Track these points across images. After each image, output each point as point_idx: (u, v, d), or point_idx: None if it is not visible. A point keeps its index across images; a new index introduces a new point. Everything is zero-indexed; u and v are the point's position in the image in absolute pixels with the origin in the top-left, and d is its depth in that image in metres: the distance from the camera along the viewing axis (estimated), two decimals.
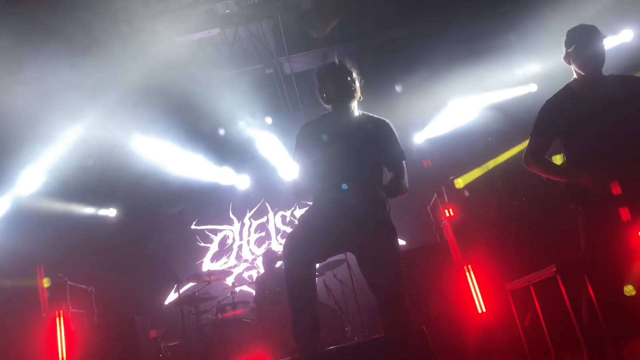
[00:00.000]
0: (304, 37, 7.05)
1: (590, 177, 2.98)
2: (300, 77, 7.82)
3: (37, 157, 6.86)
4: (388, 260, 2.81)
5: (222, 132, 8.36)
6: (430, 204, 6.50)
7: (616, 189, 2.91)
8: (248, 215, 9.11)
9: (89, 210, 8.56)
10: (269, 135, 8.43)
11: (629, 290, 4.39)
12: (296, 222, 2.64)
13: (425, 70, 7.24)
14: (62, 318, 5.24)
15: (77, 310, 6.18)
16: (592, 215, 3.03)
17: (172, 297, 8.23)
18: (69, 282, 6.40)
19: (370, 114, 3.19)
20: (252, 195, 9.07)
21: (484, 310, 4.95)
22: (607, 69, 3.18)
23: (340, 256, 6.20)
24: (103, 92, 6.25)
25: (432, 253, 5.47)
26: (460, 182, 5.89)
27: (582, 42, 3.10)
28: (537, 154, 3.23)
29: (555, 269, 2.58)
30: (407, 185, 3.08)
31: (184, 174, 8.61)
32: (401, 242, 7.85)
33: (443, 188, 6.03)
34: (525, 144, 3.31)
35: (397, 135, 3.12)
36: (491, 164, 6.05)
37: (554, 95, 3.24)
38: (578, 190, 3.08)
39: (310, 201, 3.08)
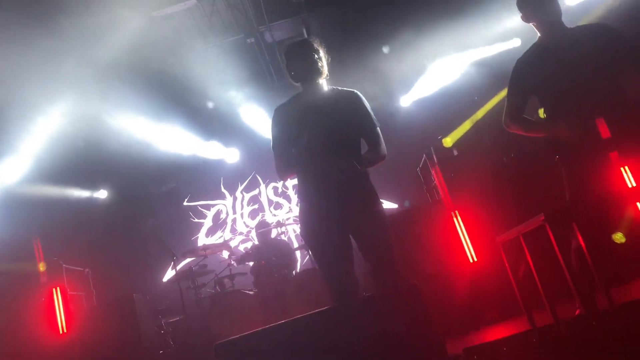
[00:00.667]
0: (284, 4, 6.94)
1: (567, 129, 3.04)
2: (282, 44, 7.72)
3: (18, 141, 6.75)
4: (376, 227, 2.97)
5: (210, 105, 8.26)
6: (420, 166, 6.52)
7: (593, 136, 2.96)
8: (240, 188, 9.11)
9: (78, 193, 8.51)
10: (255, 106, 8.35)
11: (619, 237, 4.46)
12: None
13: (408, 31, 7.16)
14: (59, 292, 5.28)
15: (75, 293, 6.21)
16: (575, 165, 3.09)
17: (169, 274, 8.27)
18: (64, 265, 6.41)
19: (339, 88, 3.26)
20: (242, 169, 9.05)
21: (475, 259, 5.02)
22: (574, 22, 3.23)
23: None
24: (82, 72, 6.13)
25: (424, 213, 5.51)
26: (448, 141, 5.90)
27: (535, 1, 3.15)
28: (514, 114, 3.30)
29: (543, 218, 2.60)
30: (385, 151, 3.21)
31: (173, 151, 8.55)
32: (393, 205, 7.90)
33: (432, 148, 6.04)
34: (505, 91, 3.36)
35: (367, 104, 3.20)
36: (479, 114, 6.05)
37: (524, 54, 3.31)
38: (559, 143, 3.14)
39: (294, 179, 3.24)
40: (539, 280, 3.44)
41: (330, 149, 3.02)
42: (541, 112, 3.37)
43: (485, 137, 6.17)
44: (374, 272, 2.90)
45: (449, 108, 7.43)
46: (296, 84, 3.24)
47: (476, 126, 6.17)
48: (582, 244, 3.00)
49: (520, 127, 3.36)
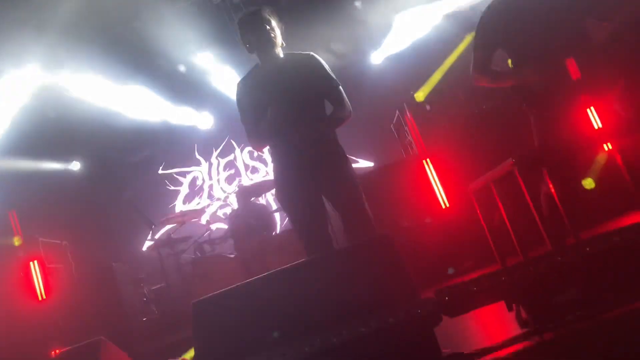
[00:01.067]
0: None
1: (533, 74, 3.07)
2: (250, 4, 7.54)
3: None
4: (347, 187, 3.17)
5: (180, 69, 8.09)
6: (394, 122, 6.53)
7: (560, 80, 2.99)
8: (215, 154, 9.04)
9: (51, 165, 8.35)
10: (227, 68, 8.21)
11: (588, 183, 4.56)
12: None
13: None
14: (36, 265, 5.23)
15: (53, 265, 6.17)
16: (543, 110, 3.13)
17: (148, 242, 8.24)
18: (41, 238, 6.35)
19: (295, 52, 3.33)
20: (216, 134, 8.95)
21: (447, 205, 5.09)
22: None
23: None
24: (44, 40, 5.93)
25: (399, 170, 5.55)
26: (420, 96, 5.90)
27: None
28: (481, 67, 3.31)
29: (512, 163, 2.64)
30: (350, 107, 3.29)
31: (145, 119, 8.40)
32: (368, 163, 7.92)
33: (404, 104, 6.04)
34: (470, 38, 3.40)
35: (325, 64, 3.28)
36: (447, 64, 6.04)
37: (488, 8, 3.27)
38: (526, 89, 3.17)
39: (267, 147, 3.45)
40: (511, 226, 3.51)
41: (296, 116, 3.12)
42: (510, 63, 3.39)
43: (458, 92, 6.18)
44: (348, 230, 3.14)
45: (421, 63, 7.39)
46: (252, 54, 3.29)
47: (448, 80, 6.16)
48: (551, 188, 3.06)
49: (488, 80, 3.40)
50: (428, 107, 6.23)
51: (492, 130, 5.16)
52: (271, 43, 3.18)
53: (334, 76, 3.28)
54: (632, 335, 1.72)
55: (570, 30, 3.12)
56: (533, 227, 3.16)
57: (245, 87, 3.31)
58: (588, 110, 3.26)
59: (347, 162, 3.26)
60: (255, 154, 8.86)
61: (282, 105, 3.10)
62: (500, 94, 5.26)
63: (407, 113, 5.84)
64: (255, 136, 3.28)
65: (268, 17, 3.20)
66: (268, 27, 3.17)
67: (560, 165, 3.12)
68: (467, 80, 3.54)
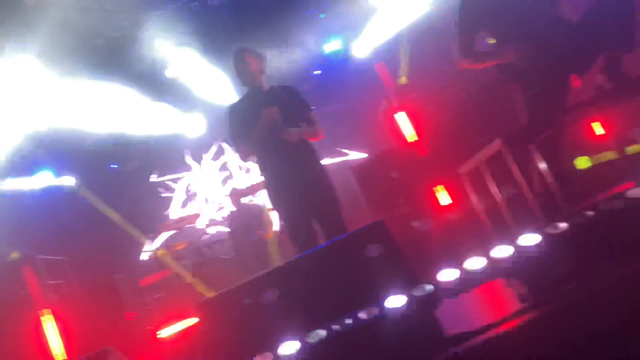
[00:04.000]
0: None
1: (515, 51, 3.10)
2: (229, 5, 7.53)
3: None
4: (329, 197, 3.85)
5: (166, 76, 8.06)
6: (382, 110, 6.54)
7: (544, 56, 3.02)
8: (206, 158, 9.03)
9: (43, 183, 8.30)
10: (213, 71, 8.19)
11: (583, 162, 4.54)
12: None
13: None
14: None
15: (54, 282, 6.15)
16: (526, 87, 3.16)
17: (146, 251, 8.21)
18: (41, 256, 6.32)
19: (276, 85, 4.09)
20: (207, 138, 8.94)
21: (449, 201, 5.13)
22: None
23: None
24: (27, 45, 5.88)
25: (392, 158, 5.57)
26: (404, 79, 5.94)
27: None
28: (466, 50, 3.36)
29: (500, 142, 2.66)
30: (320, 128, 3.99)
31: (133, 130, 8.37)
32: (362, 154, 7.94)
33: (390, 93, 6.06)
34: None
35: (300, 92, 4.09)
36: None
37: None
38: (509, 68, 3.20)
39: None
40: (506, 205, 3.54)
41: (279, 134, 3.73)
42: (490, 40, 3.42)
43: (445, 76, 6.20)
44: (326, 234, 3.73)
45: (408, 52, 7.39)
46: (244, 86, 4.03)
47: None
48: (541, 164, 3.09)
49: (473, 61, 3.45)
50: (414, 95, 6.26)
51: (481, 112, 5.18)
52: (258, 78, 3.90)
53: (308, 102, 4.04)
54: (628, 301, 1.75)
55: (550, 9, 3.16)
56: (528, 205, 3.20)
57: (236, 110, 4.00)
58: (572, 84, 3.28)
59: (328, 175, 3.94)
60: None
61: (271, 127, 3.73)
62: (485, 76, 5.30)
63: (395, 102, 5.86)
64: (244, 150, 3.95)
65: (254, 54, 3.94)
66: (255, 62, 3.90)
67: (549, 141, 3.15)
68: (451, 63, 3.59)
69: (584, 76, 3.35)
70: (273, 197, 3.98)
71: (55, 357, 4.88)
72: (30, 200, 7.73)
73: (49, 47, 5.87)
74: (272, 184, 3.95)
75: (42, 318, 4.98)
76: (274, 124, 3.74)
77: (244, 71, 3.91)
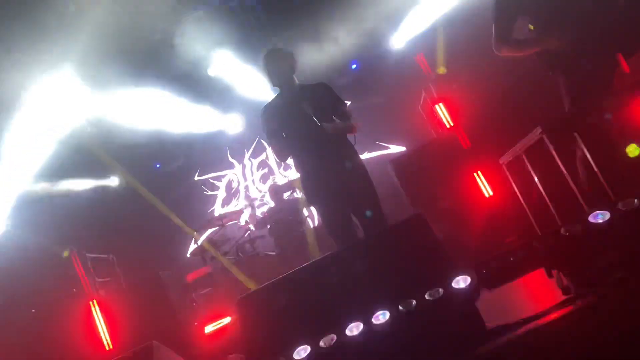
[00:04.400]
0: None
1: (556, 38, 2.99)
2: (264, 3, 7.58)
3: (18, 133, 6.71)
4: (366, 191, 3.78)
5: (205, 75, 8.18)
6: (421, 103, 6.47)
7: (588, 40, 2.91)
8: (247, 155, 9.14)
9: (91, 183, 8.58)
10: (250, 69, 8.26)
11: (632, 149, 4.35)
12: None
13: None
14: (97, 306, 5.34)
15: (102, 279, 6.35)
16: (569, 74, 3.05)
17: (192, 247, 8.38)
18: (88, 254, 6.54)
19: (308, 83, 4.04)
20: (246, 135, 9.04)
21: (491, 193, 5.04)
22: None
23: None
24: (71, 51, 6.06)
25: (432, 150, 5.50)
26: (442, 69, 5.85)
27: None
28: (504, 37, 3.26)
29: (541, 130, 2.59)
30: (355, 122, 3.88)
31: (176, 129, 8.53)
32: (400, 147, 7.88)
33: (430, 84, 5.98)
34: None
35: (332, 88, 4.00)
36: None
37: None
38: (551, 55, 3.09)
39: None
40: (548, 196, 3.44)
41: (314, 131, 3.69)
42: (530, 26, 3.32)
43: (483, 64, 6.08)
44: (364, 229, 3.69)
45: (446, 42, 7.27)
46: (275, 87, 3.98)
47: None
48: (586, 152, 2.99)
49: (512, 49, 3.34)
50: (454, 86, 6.16)
51: (522, 101, 5.06)
52: (287, 79, 3.88)
53: (340, 98, 3.97)
54: None
55: None
56: (571, 194, 3.10)
57: (269, 111, 3.98)
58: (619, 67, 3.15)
59: (365, 171, 3.86)
60: None
61: (305, 126, 3.72)
62: (526, 63, 5.17)
63: (435, 94, 5.78)
64: (280, 150, 3.97)
65: (287, 54, 3.93)
66: (284, 62, 3.88)
67: (594, 128, 3.04)
68: (491, 52, 3.49)
69: (632, 57, 3.20)
70: (309, 193, 3.98)
71: (104, 342, 5.12)
72: (80, 201, 8.00)
73: (91, 50, 6.03)
74: (308, 180, 3.93)
75: (92, 309, 5.20)
76: (307, 121, 3.69)
77: (275, 72, 3.88)
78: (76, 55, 6.01)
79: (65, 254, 5.86)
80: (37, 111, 6.47)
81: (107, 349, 5.23)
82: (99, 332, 5.26)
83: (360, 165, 3.88)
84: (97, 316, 5.31)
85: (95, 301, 5.39)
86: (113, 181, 8.97)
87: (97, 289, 6.14)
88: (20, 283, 6.09)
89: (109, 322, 5.32)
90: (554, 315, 1.74)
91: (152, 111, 8.12)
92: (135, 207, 8.53)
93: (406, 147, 7.83)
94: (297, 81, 3.96)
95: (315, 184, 3.85)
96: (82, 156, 7.77)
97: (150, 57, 7.19)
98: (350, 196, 3.73)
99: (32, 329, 5.43)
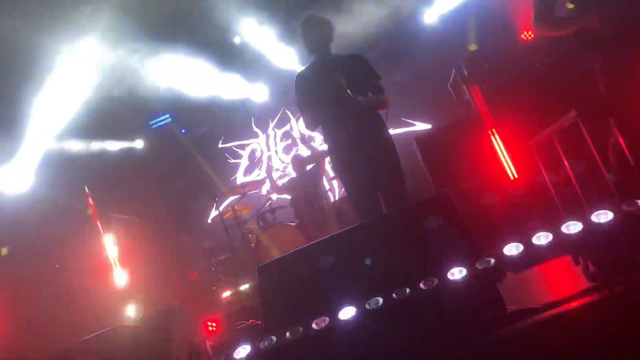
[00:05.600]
0: None
1: (598, 16, 2.88)
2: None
3: (48, 93, 6.80)
4: (393, 170, 3.76)
5: (234, 42, 8.15)
6: (450, 81, 6.36)
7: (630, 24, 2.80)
8: (271, 125, 9.14)
9: (116, 144, 8.68)
10: (278, 41, 8.19)
11: None
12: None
13: None
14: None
15: (124, 239, 6.46)
16: (609, 57, 2.94)
17: (213, 213, 8.47)
18: (112, 215, 6.66)
19: (344, 54, 3.99)
20: (271, 105, 9.02)
21: (516, 176, 4.96)
22: None
23: None
24: (102, 19, 6.09)
25: (459, 129, 5.41)
26: (474, 46, 5.72)
27: None
28: (543, 15, 3.15)
29: (575, 114, 2.52)
30: (388, 98, 3.87)
31: (201, 94, 8.54)
32: (426, 125, 7.80)
33: (461, 62, 5.86)
34: None
35: (368, 60, 3.95)
36: None
37: None
38: (590, 36, 2.98)
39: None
40: (577, 181, 3.38)
41: (346, 103, 3.67)
42: (569, 5, 3.21)
43: (517, 45, 5.94)
44: (387, 205, 3.67)
45: (478, 17, 7.12)
46: (311, 54, 3.93)
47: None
48: (620, 139, 2.91)
49: (551, 27, 3.23)
50: (486, 65, 6.02)
51: (556, 82, 4.93)
52: (323, 45, 3.85)
53: (376, 72, 3.91)
54: None
55: None
56: (601, 181, 3.04)
57: (304, 78, 3.94)
58: None
59: (393, 148, 3.83)
60: None
61: (337, 96, 3.66)
62: (561, 44, 5.02)
63: (465, 72, 5.67)
64: (311, 119, 3.91)
65: (325, 21, 3.88)
66: (322, 29, 3.84)
67: (630, 114, 2.95)
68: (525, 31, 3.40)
69: None
70: (337, 166, 3.98)
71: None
72: (106, 161, 8.12)
73: (124, 7, 6.03)
74: (337, 153, 3.90)
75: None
76: (340, 92, 3.66)
77: (311, 39, 3.84)
78: (104, 19, 6.02)
79: (88, 212, 5.97)
80: (65, 74, 6.53)
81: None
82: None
83: (390, 141, 3.84)
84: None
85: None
86: (138, 144, 9.07)
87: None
88: (45, 239, 6.23)
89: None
90: (578, 302, 1.72)
91: (178, 76, 8.13)
92: (158, 170, 8.64)
93: (432, 125, 7.74)
94: (332, 50, 3.93)
95: (343, 158, 3.82)
96: (109, 118, 7.85)
97: (181, 21, 7.17)
98: (377, 172, 3.71)
99: (57, 283, 5.61)
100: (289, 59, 8.30)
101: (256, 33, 8.07)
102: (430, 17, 7.97)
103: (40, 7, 5.56)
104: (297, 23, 3.96)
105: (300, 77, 3.99)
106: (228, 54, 8.35)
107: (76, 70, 6.59)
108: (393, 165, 3.77)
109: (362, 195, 3.76)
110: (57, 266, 5.83)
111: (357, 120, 3.72)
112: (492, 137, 5.04)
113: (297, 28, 3.92)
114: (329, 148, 4.02)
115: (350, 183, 3.86)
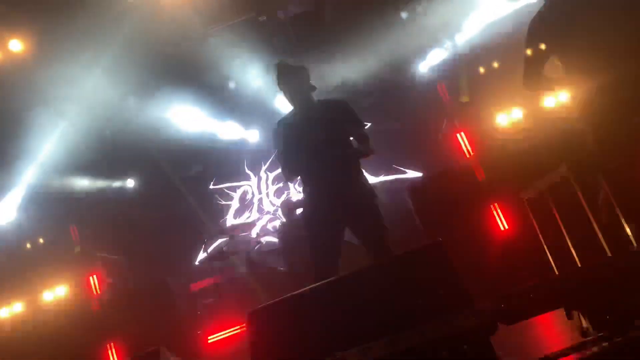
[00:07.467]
0: None
1: (586, 78, 2.96)
2: (296, 19, 7.65)
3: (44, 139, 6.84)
4: (373, 220, 3.54)
5: (228, 87, 8.26)
6: (442, 131, 6.46)
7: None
8: (263, 168, 9.15)
9: (107, 183, 8.64)
10: (272, 84, 8.30)
11: None
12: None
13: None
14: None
15: (110, 280, 6.37)
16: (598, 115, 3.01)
17: (201, 255, 8.37)
18: (99, 254, 6.57)
19: (327, 99, 3.84)
20: (264, 148, 9.05)
21: (506, 227, 4.99)
22: None
23: None
24: (98, 64, 6.19)
25: (450, 179, 5.47)
26: (466, 98, 5.84)
27: None
28: (534, 79, 3.22)
29: (567, 168, 2.56)
30: (373, 145, 3.67)
31: (194, 137, 8.58)
32: (417, 173, 7.85)
33: (453, 113, 5.98)
34: None
35: (353, 109, 3.74)
36: None
37: (538, 13, 3.19)
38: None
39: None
40: (569, 235, 3.39)
41: (327, 153, 3.49)
42: (558, 62, 3.29)
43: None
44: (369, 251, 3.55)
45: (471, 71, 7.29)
46: (290, 103, 3.68)
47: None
48: (610, 195, 2.94)
49: (541, 88, 3.30)
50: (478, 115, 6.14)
51: (547, 135, 5.01)
52: (301, 92, 3.58)
53: (360, 119, 3.73)
54: None
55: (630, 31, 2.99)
56: (593, 235, 3.05)
57: (282, 128, 3.70)
58: None
59: (374, 198, 3.61)
60: None
61: (319, 145, 3.48)
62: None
63: (457, 124, 5.77)
64: (289, 169, 3.72)
65: (295, 70, 3.60)
66: (296, 80, 3.56)
67: (620, 170, 2.99)
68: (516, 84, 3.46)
69: None
70: (306, 217, 3.73)
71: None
72: (93, 200, 8.06)
73: (122, 52, 6.14)
74: (309, 205, 3.70)
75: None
76: (319, 144, 3.48)
77: (288, 91, 3.60)
78: (106, 60, 6.13)
79: (77, 249, 5.91)
80: (64, 107, 6.59)
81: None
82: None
83: (370, 191, 3.65)
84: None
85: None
86: (129, 183, 9.03)
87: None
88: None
89: None
90: (572, 357, 1.70)
91: (172, 118, 8.20)
92: (148, 211, 8.57)
93: (423, 174, 7.80)
94: (314, 97, 3.69)
95: (317, 212, 3.57)
96: (101, 156, 7.85)
97: (175, 64, 7.28)
98: (353, 221, 3.56)
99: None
100: (282, 101, 8.40)
101: (251, 77, 8.20)
102: (423, 68, 8.14)
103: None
104: (272, 68, 3.75)
105: (280, 125, 3.74)
106: (221, 97, 8.45)
107: (71, 109, 6.65)
108: (374, 216, 3.56)
109: (322, 247, 3.55)
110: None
111: (335, 174, 3.52)
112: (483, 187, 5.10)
113: (272, 75, 3.72)
114: (304, 201, 3.79)
115: (314, 233, 3.59)
